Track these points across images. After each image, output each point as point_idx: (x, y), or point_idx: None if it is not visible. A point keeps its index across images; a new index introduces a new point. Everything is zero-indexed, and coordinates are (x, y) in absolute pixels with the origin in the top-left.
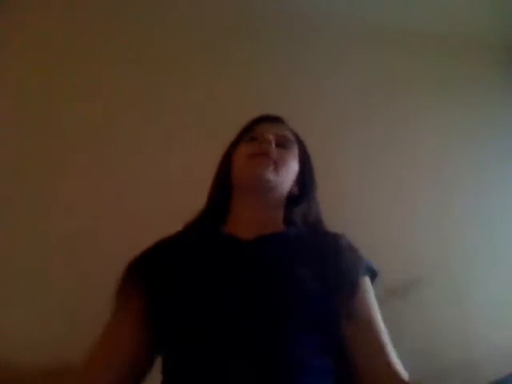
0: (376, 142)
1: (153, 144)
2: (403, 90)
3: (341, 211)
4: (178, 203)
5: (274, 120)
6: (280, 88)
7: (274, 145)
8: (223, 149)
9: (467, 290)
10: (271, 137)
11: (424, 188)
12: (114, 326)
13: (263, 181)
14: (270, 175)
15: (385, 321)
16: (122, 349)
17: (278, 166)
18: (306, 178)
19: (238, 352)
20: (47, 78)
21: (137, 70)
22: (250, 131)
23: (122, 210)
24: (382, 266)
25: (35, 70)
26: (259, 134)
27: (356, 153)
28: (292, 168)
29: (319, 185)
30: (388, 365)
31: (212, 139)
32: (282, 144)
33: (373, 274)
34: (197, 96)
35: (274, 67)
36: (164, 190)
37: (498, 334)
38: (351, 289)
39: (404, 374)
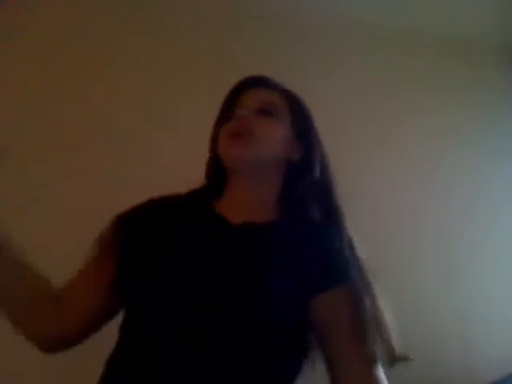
0: (374, 141)
1: (153, 143)
2: (402, 89)
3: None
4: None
5: (258, 83)
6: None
7: (251, 114)
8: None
9: (467, 290)
10: (245, 112)
11: (422, 188)
12: (83, 278)
13: (239, 162)
14: (246, 153)
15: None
16: (85, 301)
17: (253, 137)
18: (305, 137)
19: (188, 332)
20: (47, 78)
21: (136, 69)
22: (234, 101)
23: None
24: (382, 265)
25: (35, 70)
26: (237, 108)
27: (353, 153)
28: (277, 134)
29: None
30: (356, 374)
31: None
32: (267, 111)
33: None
34: (193, 95)
35: (269, 67)
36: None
37: (498, 334)
38: (328, 282)
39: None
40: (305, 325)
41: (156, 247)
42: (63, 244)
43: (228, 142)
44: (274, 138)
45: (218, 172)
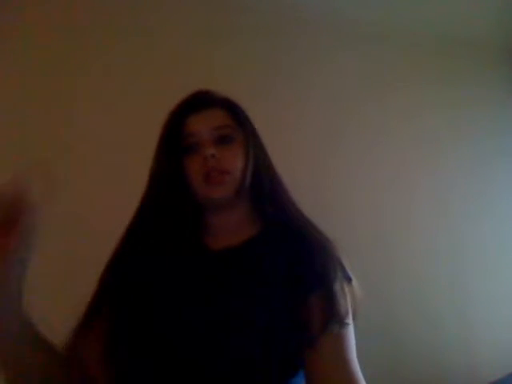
0: (373, 140)
1: (153, 144)
2: (402, 89)
3: (337, 210)
4: None
5: (202, 106)
6: (273, 86)
7: (216, 153)
8: None
9: (468, 290)
10: (210, 151)
11: (422, 187)
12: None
13: (221, 202)
14: (227, 194)
15: (386, 321)
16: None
17: (229, 175)
18: (252, 148)
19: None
20: (46, 78)
21: (135, 69)
22: (181, 130)
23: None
24: (382, 265)
25: (34, 70)
26: (196, 144)
27: (352, 151)
28: (242, 160)
29: (317, 185)
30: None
31: None
32: (225, 138)
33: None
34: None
35: (268, 66)
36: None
37: (498, 335)
38: (322, 286)
39: None
40: (299, 333)
41: (151, 294)
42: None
43: (207, 187)
44: (242, 166)
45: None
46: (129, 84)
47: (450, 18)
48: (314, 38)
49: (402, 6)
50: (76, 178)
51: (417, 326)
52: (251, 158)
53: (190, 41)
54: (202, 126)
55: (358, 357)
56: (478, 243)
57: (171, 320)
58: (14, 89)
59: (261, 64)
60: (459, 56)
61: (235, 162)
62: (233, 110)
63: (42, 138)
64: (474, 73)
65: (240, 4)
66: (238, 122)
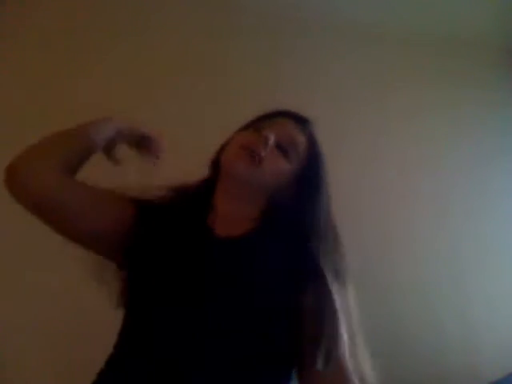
0: (373, 140)
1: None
2: (403, 89)
3: (340, 210)
4: None
5: (298, 120)
6: (273, 86)
7: (272, 144)
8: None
9: (468, 290)
10: (272, 137)
11: (422, 188)
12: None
13: (237, 176)
14: (246, 175)
15: (386, 322)
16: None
17: (260, 166)
18: (305, 186)
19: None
20: (47, 77)
21: (135, 69)
22: (267, 119)
23: None
24: (382, 265)
25: (34, 69)
26: (266, 128)
27: (351, 151)
28: (281, 173)
29: None
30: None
31: (207, 139)
32: (284, 148)
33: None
34: (192, 94)
35: (268, 66)
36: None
37: (498, 334)
38: (316, 276)
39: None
40: (293, 328)
41: (156, 245)
42: None
43: (237, 154)
44: (276, 175)
45: (214, 173)
46: (129, 84)
47: (450, 17)
48: (314, 38)
49: (402, 6)
50: (76, 177)
51: (418, 326)
52: (291, 181)
53: (191, 41)
54: (282, 127)
55: None
56: (479, 243)
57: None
58: (13, 89)
59: (260, 64)
60: (459, 56)
61: (274, 167)
62: (312, 145)
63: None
64: (474, 73)
65: (240, 4)
66: (308, 156)
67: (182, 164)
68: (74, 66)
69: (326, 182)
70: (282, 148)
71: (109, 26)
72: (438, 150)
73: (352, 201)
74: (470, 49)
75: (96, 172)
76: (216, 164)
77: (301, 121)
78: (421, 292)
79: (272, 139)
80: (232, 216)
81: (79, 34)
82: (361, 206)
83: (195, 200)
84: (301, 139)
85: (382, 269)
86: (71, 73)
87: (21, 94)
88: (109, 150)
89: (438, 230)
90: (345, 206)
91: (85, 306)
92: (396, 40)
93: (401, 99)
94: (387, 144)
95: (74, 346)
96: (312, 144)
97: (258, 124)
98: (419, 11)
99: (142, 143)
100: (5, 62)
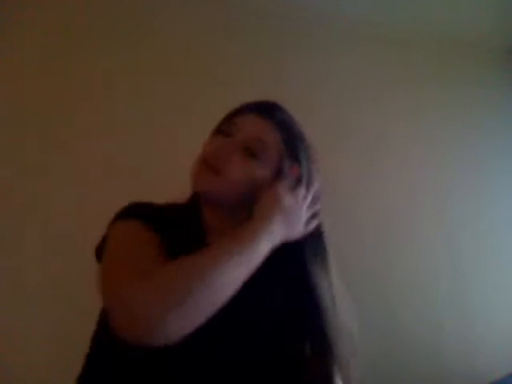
0: (374, 140)
1: (146, 143)
2: (402, 89)
3: (338, 210)
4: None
5: (262, 111)
6: (273, 86)
7: (231, 150)
8: None
9: (468, 290)
10: (228, 142)
11: (422, 188)
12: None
13: (201, 190)
14: (208, 185)
15: (385, 321)
16: None
17: (222, 174)
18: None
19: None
20: (46, 77)
21: (134, 68)
22: (232, 118)
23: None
24: (382, 265)
25: (34, 69)
26: (227, 131)
27: (351, 151)
28: (250, 175)
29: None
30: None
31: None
32: (252, 151)
33: None
34: (192, 95)
35: (268, 66)
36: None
37: (498, 335)
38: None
39: None
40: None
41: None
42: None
43: (198, 169)
44: (245, 180)
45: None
46: (129, 84)
47: (450, 18)
48: (314, 37)
49: (402, 6)
50: (76, 177)
51: (417, 326)
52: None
53: (191, 41)
54: (246, 126)
55: (359, 357)
56: (478, 243)
57: None
58: (13, 89)
59: (261, 64)
60: (459, 56)
61: (239, 171)
62: (289, 140)
63: (42, 137)
64: (474, 73)
65: (240, 4)
66: (288, 151)
67: (181, 164)
68: (74, 66)
69: (311, 161)
70: (249, 149)
71: (109, 26)
72: (438, 150)
73: (352, 200)
74: (470, 49)
75: None
76: None
77: (266, 111)
78: (419, 291)
79: (229, 142)
80: (225, 230)
81: (79, 33)
82: (360, 205)
83: (187, 220)
84: (267, 133)
85: (381, 269)
86: (71, 73)
87: (21, 94)
88: None
89: (437, 229)
90: (345, 206)
91: (85, 305)
92: (396, 40)
93: (401, 99)
94: (387, 144)
95: (74, 345)
96: (285, 130)
97: (222, 127)
98: (419, 11)
99: None
100: (5, 62)
